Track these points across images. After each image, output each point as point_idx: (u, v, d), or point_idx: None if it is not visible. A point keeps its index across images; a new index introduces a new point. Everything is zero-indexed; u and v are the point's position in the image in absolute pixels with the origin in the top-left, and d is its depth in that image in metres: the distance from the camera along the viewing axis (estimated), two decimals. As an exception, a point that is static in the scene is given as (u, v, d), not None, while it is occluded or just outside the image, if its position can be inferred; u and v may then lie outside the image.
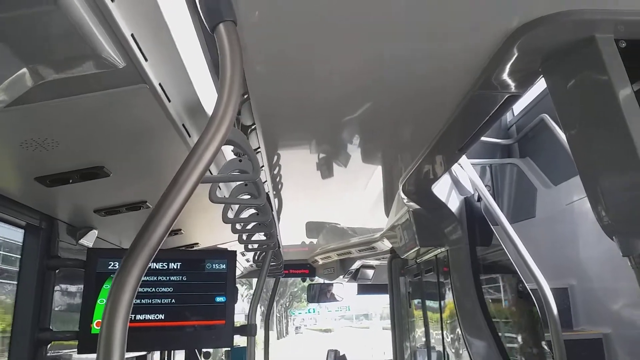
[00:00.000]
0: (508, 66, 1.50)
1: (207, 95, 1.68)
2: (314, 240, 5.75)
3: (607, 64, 1.30)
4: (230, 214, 2.38)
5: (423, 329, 4.43)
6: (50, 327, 2.52)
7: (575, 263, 3.26)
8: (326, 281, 7.17)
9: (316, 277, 7.08)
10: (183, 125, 1.71)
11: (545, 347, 2.73)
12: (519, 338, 3.14)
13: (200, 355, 5.44)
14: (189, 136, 1.79)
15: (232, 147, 1.58)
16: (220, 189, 2.54)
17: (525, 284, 2.78)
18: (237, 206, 2.28)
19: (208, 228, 3.63)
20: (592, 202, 1.42)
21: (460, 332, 3.25)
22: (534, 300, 2.69)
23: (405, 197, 3.09)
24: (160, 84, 1.42)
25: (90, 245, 2.86)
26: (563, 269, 3.33)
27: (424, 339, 4.43)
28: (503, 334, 3.08)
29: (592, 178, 1.41)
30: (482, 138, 4.22)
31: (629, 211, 1.32)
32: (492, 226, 3.05)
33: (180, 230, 3.43)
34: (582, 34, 1.33)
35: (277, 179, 3.01)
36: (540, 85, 1.80)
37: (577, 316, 3.29)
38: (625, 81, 1.29)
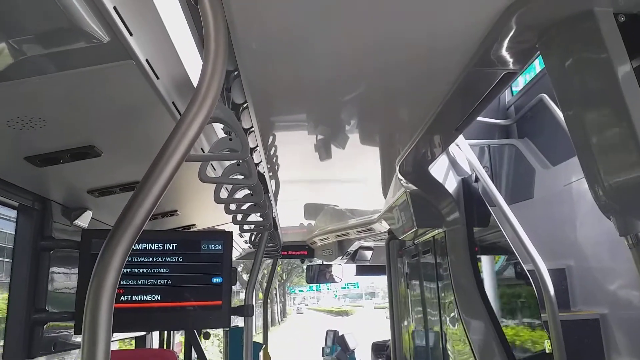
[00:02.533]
0: (504, 42, 1.46)
1: (196, 72, 1.64)
2: (312, 222, 5.75)
3: (606, 39, 1.26)
4: (225, 195, 2.37)
5: (421, 309, 4.45)
6: (47, 308, 2.52)
7: (573, 244, 3.25)
8: (325, 262, 7.19)
9: (315, 258, 7.11)
10: (173, 103, 1.68)
11: (542, 327, 2.73)
12: (516, 318, 3.15)
13: (199, 335, 5.48)
14: (180, 114, 1.75)
15: (222, 126, 1.54)
16: (214, 169, 2.52)
17: (523, 265, 2.77)
18: (231, 186, 2.25)
19: (205, 209, 3.61)
20: (590, 181, 1.40)
21: (457, 313, 3.25)
22: (531, 281, 2.68)
23: (402, 178, 3.07)
24: (147, 60, 1.38)
25: (85, 226, 2.85)
26: (561, 250, 3.33)
27: (421, 319, 4.45)
28: (500, 314, 3.09)
29: (590, 156, 1.38)
30: (481, 118, 4.21)
31: (626, 190, 1.30)
32: (489, 207, 3.04)
33: (177, 211, 3.42)
34: (580, 7, 1.29)
35: (274, 160, 2.99)
36: (539, 64, 1.76)
37: (574, 297, 3.29)
38: (624, 57, 1.26)
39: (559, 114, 3.43)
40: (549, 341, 2.53)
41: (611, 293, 2.92)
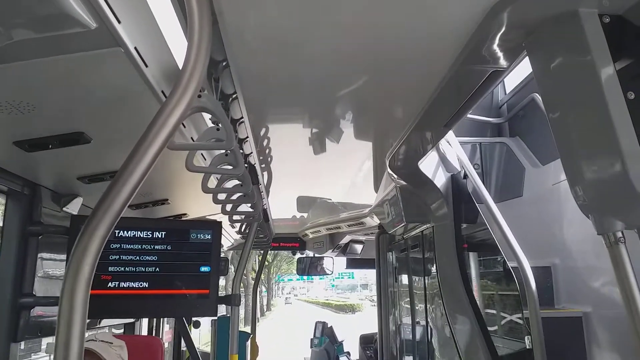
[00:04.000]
0: (492, 40, 1.48)
1: (186, 61, 1.65)
2: (305, 215, 5.77)
3: (590, 40, 1.28)
4: (215, 184, 2.38)
5: (408, 302, 4.49)
6: (34, 293, 2.53)
7: (559, 242, 3.27)
8: (316, 254, 7.22)
9: (306, 251, 7.13)
10: (162, 91, 1.68)
11: (524, 323, 2.76)
12: (499, 313, 3.19)
13: (189, 324, 5.49)
14: (169, 103, 1.76)
15: (210, 115, 1.55)
16: (205, 159, 2.52)
17: (507, 262, 2.80)
18: (220, 176, 2.26)
19: (196, 199, 3.62)
20: (570, 181, 1.42)
21: (442, 307, 3.29)
22: (515, 278, 2.71)
23: (393, 173, 3.09)
24: (135, 48, 1.39)
25: (75, 212, 2.85)
26: (547, 248, 3.35)
27: (408, 313, 4.49)
28: (484, 310, 3.12)
29: (571, 156, 1.41)
30: (473, 116, 4.23)
31: (603, 190, 1.32)
32: (477, 204, 3.06)
33: (168, 200, 3.42)
34: (566, 7, 1.30)
35: (267, 152, 3.00)
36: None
37: (558, 294, 3.32)
38: (607, 58, 1.27)
39: (550, 113, 3.44)
40: (529, 337, 2.57)
41: (595, 291, 2.95)
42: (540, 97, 3.69)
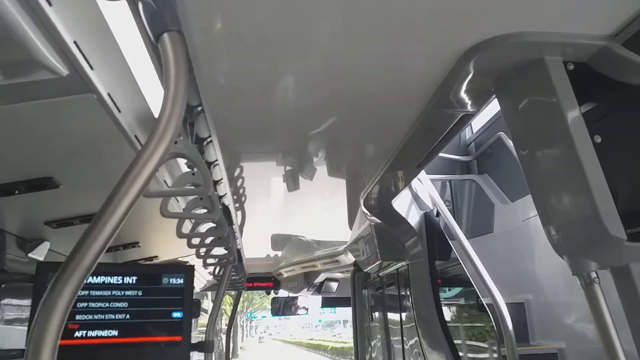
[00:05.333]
0: (462, 85, 1.52)
1: (159, 106, 1.64)
2: (279, 253, 5.71)
3: (556, 85, 1.33)
4: (189, 227, 2.33)
5: (385, 340, 4.43)
6: (-6, 345, 2.40)
7: (531, 278, 3.32)
8: (290, 294, 7.11)
9: (280, 290, 7.02)
10: (135, 136, 1.66)
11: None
12: (475, 350, 3.17)
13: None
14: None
15: (185, 160, 1.54)
16: (178, 201, 2.48)
17: (482, 299, 2.81)
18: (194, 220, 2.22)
19: (167, 241, 3.54)
20: (543, 221, 1.44)
21: (419, 344, 3.25)
22: (490, 315, 2.72)
23: (367, 212, 3.10)
24: (109, 94, 1.38)
25: (41, 258, 2.75)
26: (520, 284, 3.39)
27: (385, 350, 4.43)
28: (461, 348, 3.10)
29: (542, 197, 1.43)
30: (442, 154, 4.32)
31: (577, 231, 1.34)
32: (450, 241, 3.08)
33: (138, 243, 3.34)
34: (533, 55, 1.36)
35: (240, 192, 2.97)
36: (498, 104, 1.83)
37: (533, 331, 3.34)
38: (573, 102, 1.32)
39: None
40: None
41: (568, 327, 2.98)
42: (505, 136, 3.81)
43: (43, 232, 2.63)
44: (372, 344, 5.03)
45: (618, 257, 1.23)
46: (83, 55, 1.17)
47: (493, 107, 2.95)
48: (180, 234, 1.99)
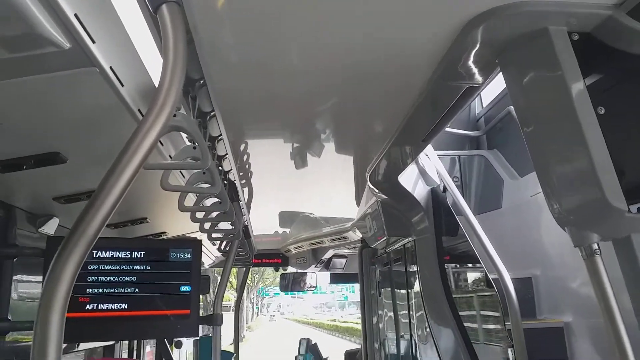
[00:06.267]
0: (465, 57, 1.50)
1: (162, 80, 1.65)
2: (287, 230, 5.75)
3: (560, 57, 1.31)
4: (192, 202, 2.36)
5: (392, 316, 4.48)
6: (9, 317, 2.46)
7: (539, 253, 3.32)
8: (299, 270, 7.18)
9: (289, 267, 7.09)
10: (139, 110, 1.67)
11: (505, 334, 2.78)
12: (482, 325, 3.20)
13: (170, 345, 5.39)
14: (146, 122, 1.74)
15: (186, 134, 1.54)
16: (184, 176, 2.50)
17: (488, 274, 2.82)
18: (198, 194, 2.24)
19: (175, 217, 3.57)
20: (546, 194, 1.44)
21: (426, 320, 3.29)
22: (496, 290, 2.73)
23: (373, 187, 3.10)
24: (111, 67, 1.38)
25: (52, 233, 2.80)
26: (527, 259, 3.39)
27: (392, 327, 4.48)
28: (466, 321, 3.13)
29: (546, 170, 1.43)
30: (451, 129, 4.29)
31: (579, 203, 1.34)
32: (457, 217, 3.08)
33: (146, 219, 3.38)
34: (536, 25, 1.33)
35: (246, 167, 2.98)
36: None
37: (540, 305, 3.35)
38: (577, 74, 1.30)
39: (526, 126, 3.50)
40: (512, 349, 2.58)
41: (575, 301, 2.99)
42: (516, 110, 3.77)
43: (52, 208, 2.67)
44: (380, 319, 5.08)
45: (619, 228, 1.23)
46: (84, 28, 1.18)
47: (503, 81, 2.91)
48: (182, 208, 2.01)
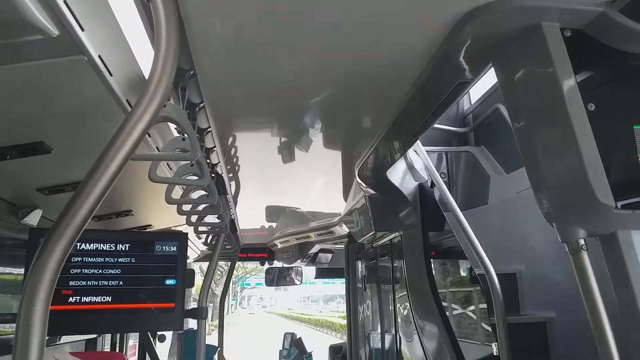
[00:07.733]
0: (458, 52, 1.50)
1: (151, 70, 1.62)
2: (274, 224, 5.73)
3: (552, 52, 1.32)
4: (179, 195, 2.33)
5: (377, 311, 4.50)
6: (-10, 310, 2.42)
7: (524, 249, 3.35)
8: (285, 265, 7.17)
9: (275, 261, 7.07)
10: (127, 101, 1.64)
11: (490, 329, 2.80)
12: (467, 320, 3.22)
13: (154, 338, 5.35)
14: (134, 112, 1.72)
15: (175, 125, 1.52)
16: (171, 168, 2.47)
17: (474, 269, 2.84)
18: (185, 186, 2.22)
19: (161, 209, 3.53)
20: (534, 188, 1.45)
21: (411, 315, 3.31)
22: (481, 285, 2.75)
23: (361, 182, 3.10)
24: (100, 56, 1.35)
25: (35, 224, 2.75)
26: (513, 255, 3.42)
27: (377, 321, 4.50)
28: (452, 316, 3.15)
29: (535, 165, 1.44)
30: (439, 125, 4.30)
31: (567, 198, 1.35)
32: (444, 212, 3.10)
33: (131, 211, 3.34)
34: (529, 21, 1.34)
35: (234, 161, 2.96)
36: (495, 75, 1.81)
37: (524, 301, 3.39)
38: (568, 70, 1.31)
39: (513, 123, 3.53)
40: (497, 344, 2.60)
41: (558, 297, 3.02)
42: (503, 108, 3.79)
43: (35, 199, 2.62)
44: (366, 314, 5.10)
45: (606, 225, 1.25)
46: (73, 15, 1.15)
47: (492, 79, 2.93)
48: (169, 200, 1.99)
